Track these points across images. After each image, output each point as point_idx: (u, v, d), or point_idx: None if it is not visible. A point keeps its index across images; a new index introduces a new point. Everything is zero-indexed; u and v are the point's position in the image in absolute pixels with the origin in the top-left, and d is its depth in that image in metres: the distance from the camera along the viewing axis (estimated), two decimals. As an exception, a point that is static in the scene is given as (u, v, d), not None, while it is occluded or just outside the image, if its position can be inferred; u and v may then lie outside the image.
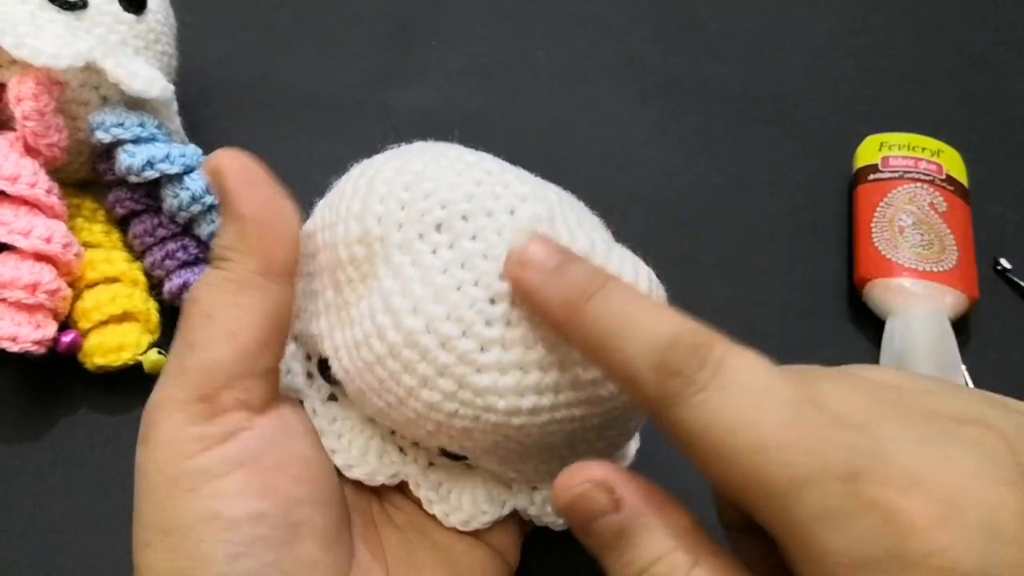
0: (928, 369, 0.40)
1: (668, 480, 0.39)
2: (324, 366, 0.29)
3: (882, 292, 0.44)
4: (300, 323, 0.30)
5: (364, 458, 0.30)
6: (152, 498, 0.26)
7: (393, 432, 0.31)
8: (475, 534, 0.32)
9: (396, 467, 0.31)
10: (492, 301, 0.25)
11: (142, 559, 0.26)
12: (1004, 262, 0.47)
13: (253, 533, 0.25)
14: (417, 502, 0.32)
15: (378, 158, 0.29)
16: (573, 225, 0.27)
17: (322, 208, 0.30)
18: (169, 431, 0.26)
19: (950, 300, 0.43)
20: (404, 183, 0.26)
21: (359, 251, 0.27)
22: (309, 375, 0.31)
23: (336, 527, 0.28)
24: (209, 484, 0.26)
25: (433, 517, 0.32)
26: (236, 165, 0.28)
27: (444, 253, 0.26)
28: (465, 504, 0.31)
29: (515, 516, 0.32)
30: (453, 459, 0.30)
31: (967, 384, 0.40)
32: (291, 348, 0.31)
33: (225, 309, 0.27)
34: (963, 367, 0.41)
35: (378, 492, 0.32)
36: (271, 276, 0.28)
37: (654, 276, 0.28)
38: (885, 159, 0.49)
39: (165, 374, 0.27)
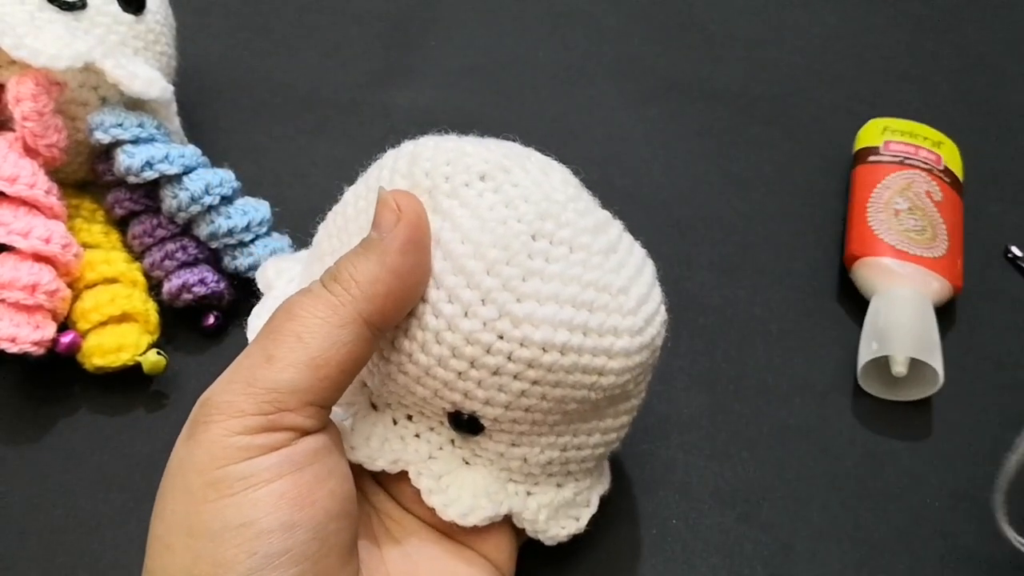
0: (906, 349, 0.40)
1: (667, 477, 0.39)
2: None
3: (869, 271, 0.44)
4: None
5: (367, 442, 0.31)
6: (185, 499, 0.26)
7: (396, 422, 0.31)
8: (473, 546, 0.32)
9: (397, 454, 0.31)
10: (534, 238, 0.28)
11: (159, 562, 0.26)
12: (1015, 250, 0.47)
13: (283, 545, 0.25)
14: (415, 513, 0.32)
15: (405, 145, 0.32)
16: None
17: (354, 188, 0.32)
18: (218, 434, 0.26)
19: (936, 286, 0.44)
20: (446, 149, 0.30)
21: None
22: None
23: (353, 541, 0.28)
24: (248, 491, 0.25)
25: (432, 529, 0.32)
26: (414, 215, 0.28)
27: (489, 196, 0.29)
28: (464, 497, 0.31)
29: (510, 529, 0.33)
30: (463, 430, 0.30)
31: (940, 370, 0.40)
32: None
33: (320, 337, 0.27)
34: (940, 353, 0.41)
35: (376, 505, 0.32)
36: (374, 328, 0.27)
37: None
38: (887, 143, 0.49)
39: (232, 376, 0.27)
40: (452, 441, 0.31)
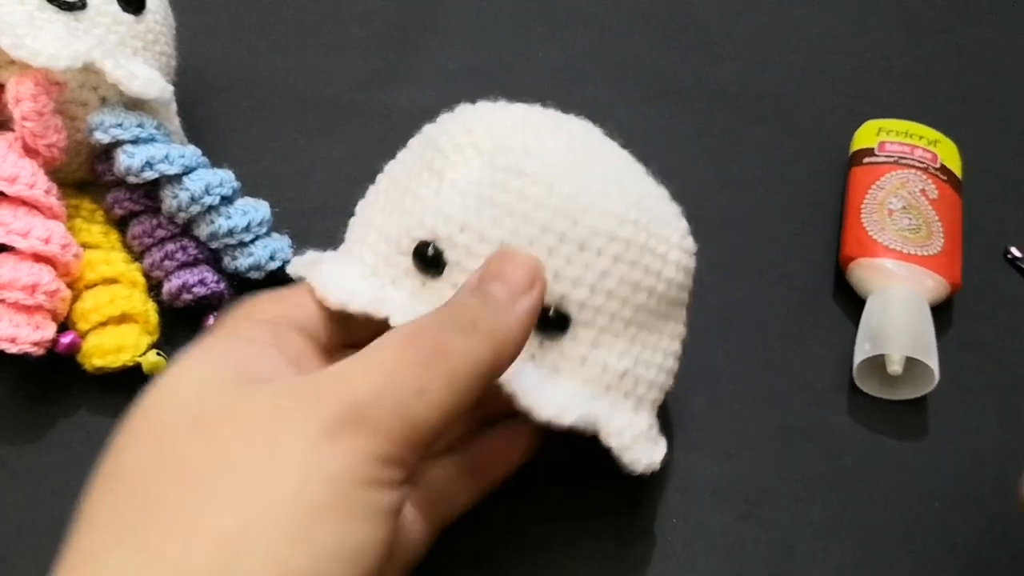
0: (901, 348, 0.40)
1: (667, 476, 0.39)
2: (420, 253, 0.32)
3: (865, 271, 0.44)
4: (391, 226, 0.33)
5: None
6: (308, 504, 0.24)
7: None
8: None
9: None
10: (587, 148, 0.33)
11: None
12: (1015, 251, 0.47)
13: None
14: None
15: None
16: None
17: (392, 164, 0.36)
18: (365, 446, 0.25)
19: (931, 284, 0.44)
20: (486, 108, 0.35)
21: (462, 139, 0.33)
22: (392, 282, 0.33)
23: None
24: (363, 521, 0.25)
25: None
26: (535, 296, 0.29)
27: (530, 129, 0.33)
28: (556, 397, 0.31)
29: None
30: (551, 328, 0.32)
31: (936, 368, 0.40)
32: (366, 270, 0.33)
33: (463, 391, 0.27)
34: (935, 352, 0.41)
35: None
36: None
37: None
38: (882, 144, 0.49)
39: (386, 389, 0.26)
40: (533, 357, 0.32)
